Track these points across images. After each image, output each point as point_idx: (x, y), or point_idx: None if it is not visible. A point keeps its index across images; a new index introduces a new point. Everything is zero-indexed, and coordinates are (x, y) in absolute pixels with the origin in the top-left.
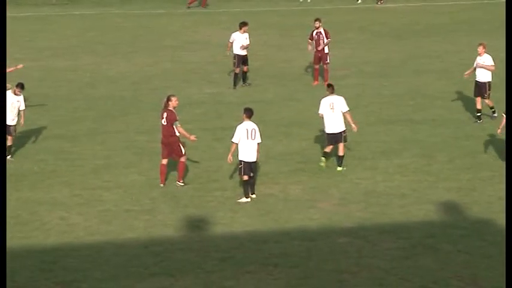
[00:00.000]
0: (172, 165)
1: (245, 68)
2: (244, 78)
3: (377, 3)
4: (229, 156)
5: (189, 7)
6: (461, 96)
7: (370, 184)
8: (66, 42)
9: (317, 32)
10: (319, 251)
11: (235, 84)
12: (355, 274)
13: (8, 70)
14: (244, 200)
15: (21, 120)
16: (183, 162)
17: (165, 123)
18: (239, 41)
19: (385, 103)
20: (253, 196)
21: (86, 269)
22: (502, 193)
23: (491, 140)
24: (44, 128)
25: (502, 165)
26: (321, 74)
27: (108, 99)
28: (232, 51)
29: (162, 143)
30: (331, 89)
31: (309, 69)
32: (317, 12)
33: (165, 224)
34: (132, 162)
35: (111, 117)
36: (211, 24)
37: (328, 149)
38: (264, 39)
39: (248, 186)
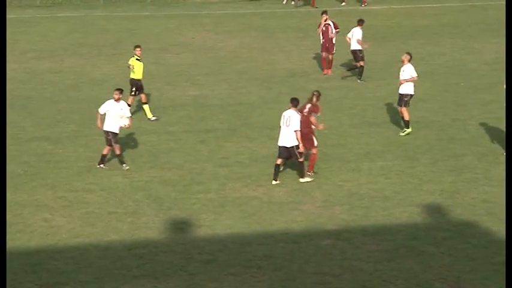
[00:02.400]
0: (160, 168)
1: (362, 63)
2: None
3: (361, 5)
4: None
5: (296, 6)
6: (445, 99)
7: (353, 186)
8: (50, 45)
9: (325, 24)
10: (302, 253)
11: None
12: (339, 276)
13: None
14: (273, 182)
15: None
16: (314, 153)
17: (306, 114)
18: (357, 36)
19: (369, 105)
20: (301, 180)
21: (70, 271)
22: (486, 195)
23: (475, 143)
24: (28, 130)
25: (485, 167)
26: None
27: (91, 101)
28: (350, 46)
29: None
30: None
31: (293, 72)
32: (301, 15)
33: (149, 227)
34: (115, 164)
35: (94, 120)
36: (195, 27)
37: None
38: (247, 42)
39: (277, 169)
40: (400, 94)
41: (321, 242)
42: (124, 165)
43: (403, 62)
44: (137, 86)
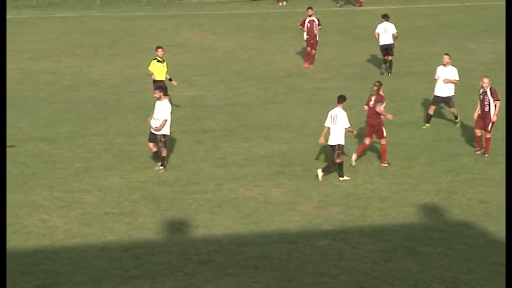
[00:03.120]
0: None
1: (390, 58)
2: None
3: (356, 5)
4: (321, 138)
5: (340, 5)
6: None
7: (350, 187)
8: (46, 45)
9: (310, 20)
10: (299, 253)
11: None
12: (336, 277)
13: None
14: (340, 178)
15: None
16: (384, 144)
17: (372, 106)
18: (393, 31)
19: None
20: (341, 179)
21: (67, 272)
22: (483, 196)
23: (472, 143)
24: (24, 130)
25: (482, 167)
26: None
27: (88, 102)
28: (380, 41)
29: (367, 124)
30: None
31: (290, 72)
32: (297, 15)
33: (146, 227)
34: (112, 164)
35: (91, 120)
36: (192, 27)
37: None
38: (244, 42)
39: (340, 166)
40: (446, 96)
41: (318, 243)
42: (161, 167)
43: (445, 63)
44: (159, 88)
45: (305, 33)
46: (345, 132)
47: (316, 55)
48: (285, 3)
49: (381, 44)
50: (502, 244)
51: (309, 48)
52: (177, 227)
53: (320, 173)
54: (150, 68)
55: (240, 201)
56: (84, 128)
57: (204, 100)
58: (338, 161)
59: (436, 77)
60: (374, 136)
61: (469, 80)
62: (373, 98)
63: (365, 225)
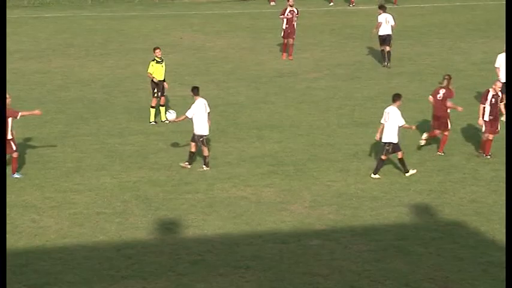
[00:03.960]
0: (147, 169)
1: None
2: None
3: (349, 5)
4: (377, 135)
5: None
6: None
7: (341, 186)
8: (37, 45)
9: (290, 10)
10: (291, 253)
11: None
12: (327, 277)
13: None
14: (373, 175)
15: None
16: (446, 135)
17: (440, 99)
18: (392, 22)
19: (357, 105)
20: (373, 176)
21: (58, 272)
22: (474, 195)
23: (463, 143)
24: (15, 130)
25: (473, 167)
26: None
27: (79, 102)
28: (379, 32)
29: (434, 117)
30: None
31: (281, 72)
32: None
33: (137, 227)
34: (103, 164)
35: (82, 120)
36: (183, 27)
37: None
38: (236, 42)
39: (402, 163)
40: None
41: (310, 242)
42: (204, 166)
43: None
44: (159, 87)
45: (284, 23)
46: (399, 130)
47: (309, 57)
48: (273, 3)
49: (380, 34)
50: (493, 244)
51: (285, 40)
52: (168, 227)
53: (374, 176)
54: (149, 71)
55: (232, 201)
56: (75, 128)
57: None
58: (383, 157)
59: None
60: (441, 128)
61: (460, 80)
62: (441, 91)
63: (356, 225)
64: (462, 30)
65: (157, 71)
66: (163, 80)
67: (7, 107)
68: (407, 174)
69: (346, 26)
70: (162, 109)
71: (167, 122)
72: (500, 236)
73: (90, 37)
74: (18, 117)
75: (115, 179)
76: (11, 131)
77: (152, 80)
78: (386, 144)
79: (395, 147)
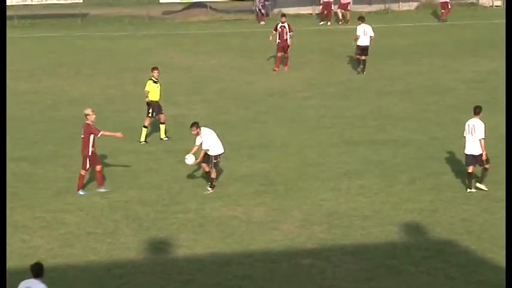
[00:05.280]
0: (139, 188)
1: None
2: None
3: (339, 23)
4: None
5: (445, 20)
6: (423, 118)
7: (332, 205)
8: (28, 65)
9: (281, 26)
10: (282, 272)
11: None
12: None
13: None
14: (468, 190)
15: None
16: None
17: None
18: (371, 33)
19: (347, 124)
20: (477, 185)
21: None
22: (465, 214)
23: (454, 161)
24: (6, 150)
25: (464, 186)
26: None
27: (70, 121)
28: (358, 42)
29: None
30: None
31: (272, 91)
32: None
33: (128, 247)
34: (94, 184)
35: (73, 140)
36: (174, 47)
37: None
38: (226, 61)
39: (470, 178)
40: None
41: (301, 262)
42: (209, 188)
43: None
44: (154, 108)
45: (277, 37)
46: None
47: (300, 76)
48: (263, 23)
49: (358, 44)
50: (484, 262)
51: (279, 53)
52: (159, 246)
53: (481, 186)
54: (147, 89)
55: (223, 221)
56: (65, 148)
57: (186, 119)
58: (487, 166)
59: None
60: None
61: (451, 99)
62: None
63: (347, 244)
64: (452, 49)
65: (153, 91)
66: (157, 101)
67: (90, 124)
68: (478, 185)
69: (336, 45)
70: (162, 127)
71: (165, 139)
72: (491, 254)
73: (80, 57)
74: (99, 136)
75: (105, 198)
76: (92, 147)
77: (147, 102)
78: (479, 156)
79: (477, 158)
